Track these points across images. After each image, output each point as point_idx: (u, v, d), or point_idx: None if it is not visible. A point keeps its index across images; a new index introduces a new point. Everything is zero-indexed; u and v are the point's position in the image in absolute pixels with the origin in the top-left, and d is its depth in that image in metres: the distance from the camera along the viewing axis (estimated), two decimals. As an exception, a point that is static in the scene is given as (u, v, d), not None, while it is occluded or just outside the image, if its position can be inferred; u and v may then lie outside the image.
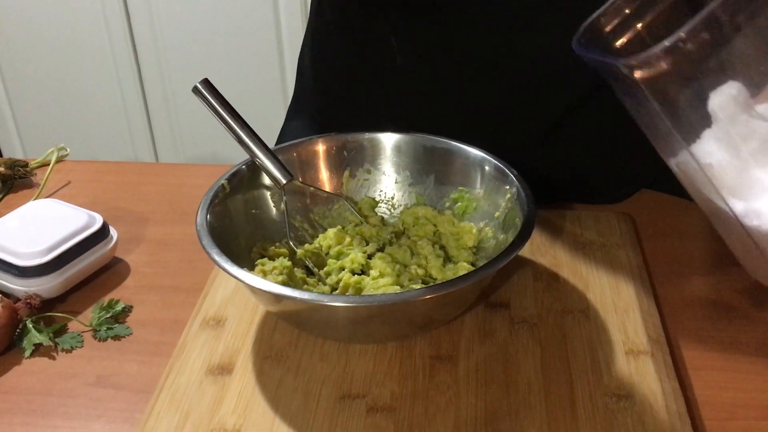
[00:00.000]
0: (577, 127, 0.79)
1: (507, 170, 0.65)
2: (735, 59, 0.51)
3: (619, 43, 0.58)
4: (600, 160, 0.82)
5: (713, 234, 0.76)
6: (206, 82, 0.66)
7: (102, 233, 0.72)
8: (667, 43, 0.47)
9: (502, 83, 0.76)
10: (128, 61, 1.88)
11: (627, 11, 0.57)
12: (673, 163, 0.57)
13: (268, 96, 1.87)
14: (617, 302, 0.65)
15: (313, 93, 0.91)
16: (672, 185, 0.84)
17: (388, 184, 0.73)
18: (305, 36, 0.93)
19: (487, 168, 0.67)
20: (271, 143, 0.74)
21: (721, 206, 0.53)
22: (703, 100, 0.51)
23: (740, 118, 0.50)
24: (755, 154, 0.51)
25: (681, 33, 0.47)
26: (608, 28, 0.57)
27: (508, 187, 0.65)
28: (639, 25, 0.57)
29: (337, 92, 0.87)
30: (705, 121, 0.52)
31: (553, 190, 0.79)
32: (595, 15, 0.56)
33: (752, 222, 0.52)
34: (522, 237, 0.58)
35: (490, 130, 0.78)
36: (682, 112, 0.52)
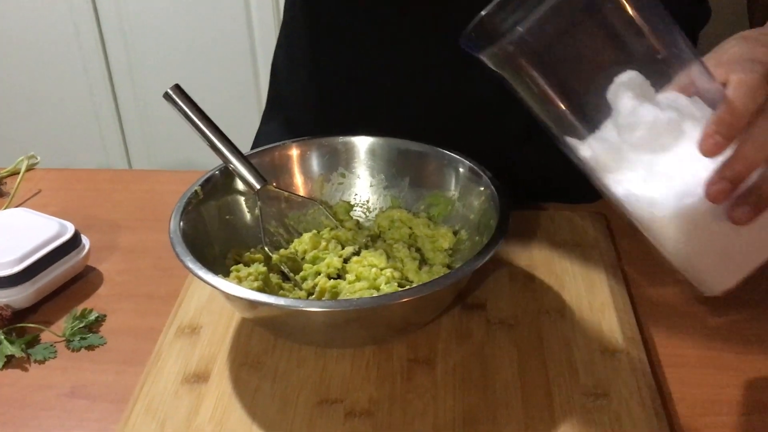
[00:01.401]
0: None
1: (481, 172, 0.66)
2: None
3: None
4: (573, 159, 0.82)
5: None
6: (177, 88, 0.65)
7: (74, 242, 0.71)
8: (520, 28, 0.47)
9: (477, 84, 0.76)
10: (99, 66, 1.86)
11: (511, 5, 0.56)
12: (566, 146, 0.55)
13: (241, 100, 1.86)
14: (592, 301, 0.66)
15: (287, 96, 0.91)
16: None
17: (363, 188, 0.73)
18: (278, 38, 0.93)
19: (461, 170, 0.67)
20: (245, 147, 0.74)
21: (607, 191, 0.53)
22: (586, 81, 0.51)
23: (631, 104, 0.49)
24: (639, 138, 0.50)
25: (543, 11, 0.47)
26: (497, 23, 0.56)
27: (482, 188, 0.65)
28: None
29: (312, 95, 0.87)
30: (601, 106, 0.51)
31: (528, 190, 0.79)
32: (485, 10, 0.55)
33: (633, 205, 0.51)
34: (497, 238, 0.58)
35: (466, 131, 0.78)
36: (562, 87, 0.51)
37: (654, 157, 0.50)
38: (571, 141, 0.54)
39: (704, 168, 0.48)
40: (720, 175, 0.48)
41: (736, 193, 0.48)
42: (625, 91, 0.50)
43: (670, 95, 0.50)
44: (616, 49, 0.50)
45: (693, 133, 0.49)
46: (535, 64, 0.50)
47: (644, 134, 0.50)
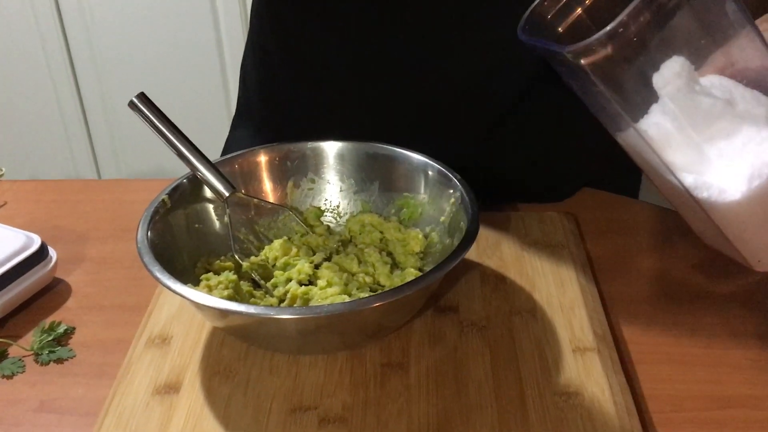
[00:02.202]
0: (517, 125, 0.80)
1: (450, 174, 0.66)
2: (676, 35, 0.52)
3: (561, 28, 0.58)
4: (541, 159, 0.83)
5: (654, 230, 0.78)
6: (142, 96, 0.65)
7: (40, 254, 0.70)
8: (609, 28, 0.48)
9: (442, 82, 0.77)
10: (65, 75, 1.84)
11: None
12: (623, 141, 0.58)
13: (211, 107, 1.85)
14: (563, 301, 0.66)
15: (257, 102, 0.91)
16: (613, 183, 0.86)
17: (333, 193, 0.72)
18: (246, 45, 0.92)
19: (430, 173, 0.68)
20: (215, 154, 0.74)
21: (671, 180, 0.54)
22: (648, 77, 0.52)
23: (683, 93, 0.51)
24: (698, 127, 0.52)
25: (623, 17, 0.48)
26: (550, 15, 0.58)
27: (452, 191, 0.65)
28: (579, 10, 0.58)
29: (281, 101, 0.87)
30: (652, 97, 0.53)
31: (497, 191, 0.80)
32: (536, 2, 0.57)
33: (702, 194, 0.53)
34: (467, 240, 0.58)
35: (434, 131, 0.78)
36: (628, 92, 0.53)
37: (715, 144, 0.51)
38: (626, 135, 0.55)
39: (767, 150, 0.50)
40: None
41: None
42: (676, 79, 0.51)
43: (715, 79, 0.52)
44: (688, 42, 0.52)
45: (750, 116, 0.50)
46: (623, 63, 0.51)
47: (701, 121, 0.51)
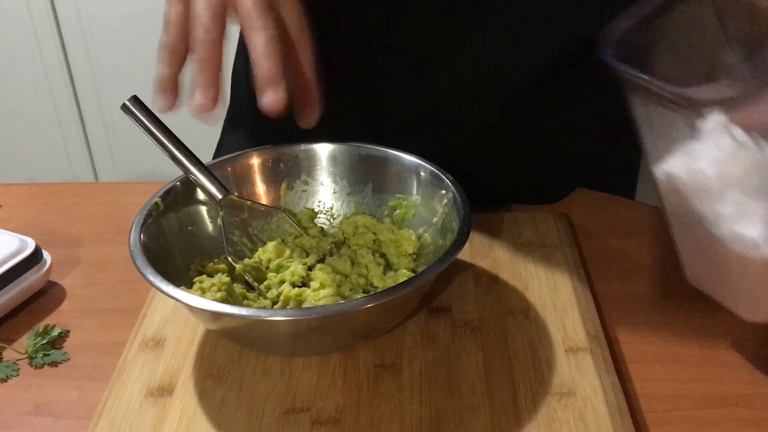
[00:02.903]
0: (510, 128, 0.80)
1: (442, 175, 0.66)
2: None
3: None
4: (535, 159, 0.83)
5: (647, 230, 0.79)
6: (135, 99, 0.65)
7: (35, 258, 0.70)
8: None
9: (437, 84, 0.77)
10: (62, 77, 1.84)
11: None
12: (659, 177, 0.56)
13: (207, 109, 1.84)
14: (556, 301, 0.66)
15: (247, 106, 0.91)
16: (606, 184, 0.86)
17: (326, 195, 0.72)
18: (238, 45, 0.92)
19: (422, 174, 0.68)
20: (209, 157, 0.74)
21: (705, 229, 0.53)
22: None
23: (724, 144, 0.50)
24: (739, 181, 0.51)
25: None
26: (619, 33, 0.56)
27: (444, 192, 0.65)
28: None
29: None
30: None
31: (490, 192, 0.80)
32: (621, 22, 0.54)
33: (736, 247, 0.51)
34: (459, 241, 0.58)
35: (426, 134, 0.78)
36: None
37: (754, 196, 0.50)
38: (672, 169, 0.53)
39: None
40: None
41: None
42: (720, 127, 0.50)
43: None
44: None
45: None
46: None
47: (744, 175, 0.50)
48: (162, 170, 1.91)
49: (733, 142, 0.50)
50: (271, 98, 0.55)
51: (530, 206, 0.81)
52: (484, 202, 0.77)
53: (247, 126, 0.91)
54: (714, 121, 0.50)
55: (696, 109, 0.50)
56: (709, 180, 0.51)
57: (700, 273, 0.57)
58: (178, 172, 0.66)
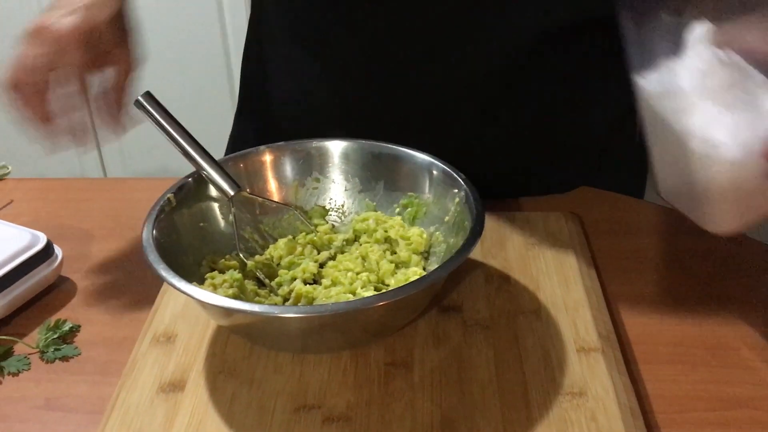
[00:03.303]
0: (513, 113, 0.80)
1: (455, 174, 0.66)
2: None
3: None
4: (539, 148, 0.83)
5: (659, 230, 0.78)
6: (148, 95, 0.65)
7: (46, 252, 0.70)
8: None
9: (441, 75, 0.77)
10: (72, 74, 1.84)
11: None
12: (641, 86, 0.59)
13: (216, 105, 1.85)
14: (567, 301, 0.66)
15: (257, 101, 0.91)
16: (618, 184, 0.86)
17: (337, 192, 0.72)
18: (247, 42, 0.92)
19: (435, 173, 0.68)
20: (220, 152, 0.74)
21: (675, 131, 0.56)
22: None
23: (706, 56, 0.54)
24: (718, 88, 0.54)
25: None
26: None
27: (456, 190, 0.65)
28: None
29: (279, 98, 0.87)
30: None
31: (501, 181, 0.80)
32: None
33: (702, 147, 0.54)
34: (472, 240, 0.58)
35: (432, 124, 0.79)
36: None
37: (726, 108, 0.53)
38: (643, 80, 0.56)
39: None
40: None
41: None
42: (703, 41, 0.54)
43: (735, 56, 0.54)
44: None
45: (760, 93, 0.53)
46: None
47: (721, 90, 0.53)
48: (171, 167, 1.91)
49: (714, 56, 0.54)
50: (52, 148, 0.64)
51: (542, 204, 0.81)
52: (492, 195, 0.76)
53: (256, 121, 0.92)
54: (700, 30, 0.54)
55: (687, 17, 0.53)
56: (686, 96, 0.54)
57: (672, 186, 0.60)
58: (187, 169, 0.67)
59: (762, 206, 0.56)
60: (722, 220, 0.57)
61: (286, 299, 0.64)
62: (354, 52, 0.79)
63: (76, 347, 0.65)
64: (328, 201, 0.72)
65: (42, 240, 0.70)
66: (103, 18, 0.65)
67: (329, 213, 0.72)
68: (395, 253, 0.68)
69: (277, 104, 0.88)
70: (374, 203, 0.72)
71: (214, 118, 1.67)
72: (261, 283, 0.65)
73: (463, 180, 0.65)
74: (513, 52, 0.75)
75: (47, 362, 0.64)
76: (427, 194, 0.69)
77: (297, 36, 0.82)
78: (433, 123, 0.80)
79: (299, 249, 0.68)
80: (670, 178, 0.60)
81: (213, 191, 0.67)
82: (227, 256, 0.66)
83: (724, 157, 0.53)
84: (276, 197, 0.71)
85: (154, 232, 0.60)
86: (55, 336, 0.65)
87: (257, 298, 0.63)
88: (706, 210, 0.57)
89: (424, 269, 0.66)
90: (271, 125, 0.90)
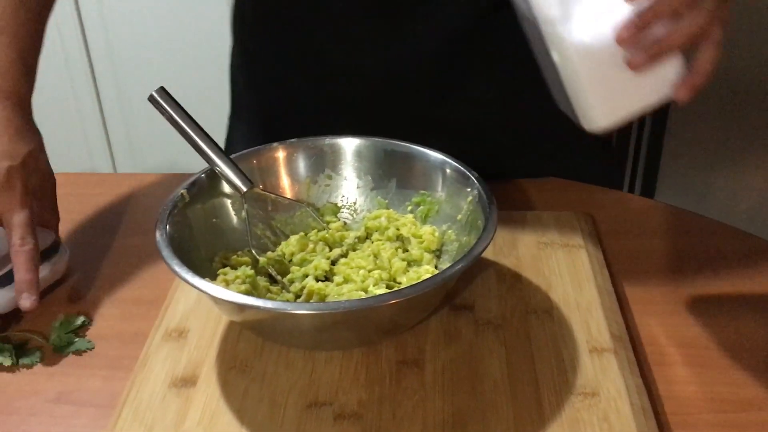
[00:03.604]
0: (475, 90, 0.82)
1: (468, 173, 0.66)
2: None
3: None
4: (503, 130, 0.85)
5: (671, 230, 0.78)
6: (162, 90, 0.65)
7: (53, 247, 0.70)
8: None
9: (397, 51, 0.79)
10: (82, 68, 1.85)
11: None
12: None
13: (225, 102, 1.85)
14: (580, 301, 0.66)
15: (247, 98, 0.92)
16: (584, 170, 0.86)
17: (349, 190, 0.72)
18: (233, 48, 0.93)
19: (448, 171, 0.67)
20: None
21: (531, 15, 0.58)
22: None
23: None
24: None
25: None
26: None
27: (469, 189, 0.65)
28: None
29: (267, 98, 0.88)
30: None
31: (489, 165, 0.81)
32: None
33: (552, 29, 0.57)
34: (484, 238, 0.58)
35: (394, 100, 0.82)
36: None
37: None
38: None
39: (621, 16, 0.56)
40: (630, 22, 0.56)
41: (641, 44, 0.56)
42: None
43: None
44: None
45: None
46: None
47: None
48: (180, 162, 1.92)
49: None
50: (29, 301, 0.64)
51: (554, 205, 0.81)
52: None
53: (248, 122, 0.92)
54: None
55: None
56: (552, 6, 0.56)
57: (556, 93, 0.63)
58: (197, 165, 0.67)
59: (631, 101, 0.59)
60: (594, 116, 0.59)
61: (297, 296, 0.64)
62: (317, 32, 0.80)
63: (90, 341, 0.65)
64: (340, 198, 0.72)
65: (50, 236, 0.71)
66: None
67: (341, 210, 0.72)
68: (407, 251, 0.68)
69: (265, 106, 0.89)
70: (386, 201, 0.71)
71: (224, 118, 1.67)
72: (273, 280, 0.65)
73: (476, 179, 0.65)
74: (465, 23, 0.77)
75: (60, 356, 0.64)
76: (440, 192, 0.69)
77: (270, 27, 0.83)
78: (399, 102, 0.82)
79: (311, 246, 0.68)
80: (554, 87, 0.62)
81: (226, 187, 0.67)
82: (239, 252, 0.66)
83: (569, 40, 0.56)
84: (288, 194, 0.71)
85: (167, 227, 0.60)
86: (68, 330, 0.66)
87: (269, 295, 0.63)
88: (576, 105, 0.60)
89: (436, 267, 0.66)
90: (262, 127, 0.90)
